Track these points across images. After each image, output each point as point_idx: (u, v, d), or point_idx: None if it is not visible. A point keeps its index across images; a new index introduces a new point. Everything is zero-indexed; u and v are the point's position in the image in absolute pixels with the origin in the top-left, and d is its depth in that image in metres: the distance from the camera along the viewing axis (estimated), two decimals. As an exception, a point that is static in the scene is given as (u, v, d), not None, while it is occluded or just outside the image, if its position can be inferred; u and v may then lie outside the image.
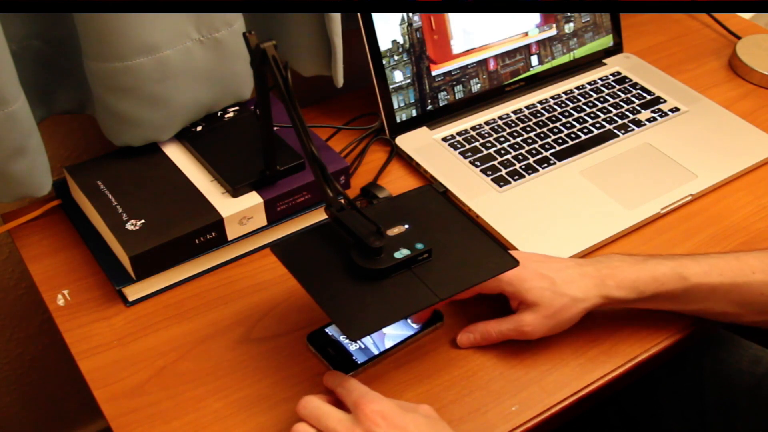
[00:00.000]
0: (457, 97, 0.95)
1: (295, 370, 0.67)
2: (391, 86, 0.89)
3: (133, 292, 0.72)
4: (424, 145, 0.90)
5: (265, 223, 0.77)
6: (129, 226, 0.71)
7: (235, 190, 0.74)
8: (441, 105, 0.94)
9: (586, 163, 0.88)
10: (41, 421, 1.19)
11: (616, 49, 1.08)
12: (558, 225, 0.80)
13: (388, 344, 0.68)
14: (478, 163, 0.87)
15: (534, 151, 0.89)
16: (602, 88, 1.01)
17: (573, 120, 0.95)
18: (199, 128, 0.82)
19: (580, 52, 1.04)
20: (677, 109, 0.97)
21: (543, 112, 0.96)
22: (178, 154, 0.80)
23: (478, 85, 0.96)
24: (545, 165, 0.87)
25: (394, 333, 0.69)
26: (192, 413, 0.63)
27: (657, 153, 0.90)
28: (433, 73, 0.92)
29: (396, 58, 0.89)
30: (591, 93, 1.00)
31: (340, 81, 0.90)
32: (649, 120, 0.95)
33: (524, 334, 0.66)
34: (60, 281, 0.74)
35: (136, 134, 0.77)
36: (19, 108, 0.68)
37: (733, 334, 0.81)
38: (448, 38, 0.92)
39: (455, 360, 0.68)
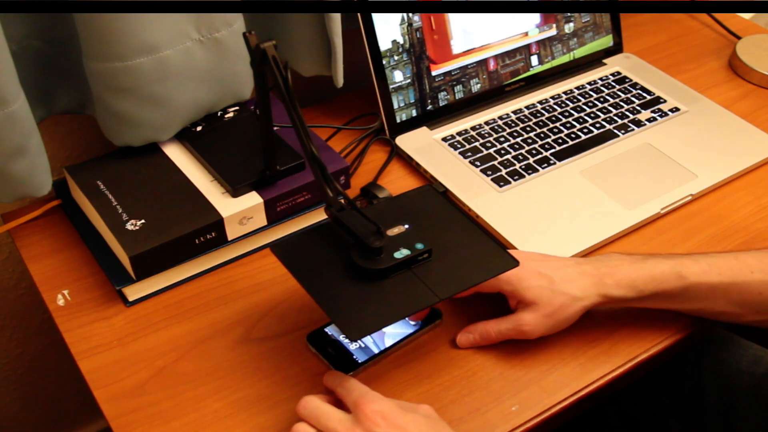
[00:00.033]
0: (457, 97, 0.95)
1: (295, 370, 0.67)
2: (391, 86, 0.89)
3: (133, 292, 0.72)
4: (424, 145, 0.90)
5: (265, 223, 0.77)
6: (129, 226, 0.71)
7: (235, 190, 0.74)
8: (441, 105, 0.94)
9: (586, 163, 0.88)
10: (41, 421, 1.19)
11: (616, 49, 1.08)
12: (558, 225, 0.80)
13: (388, 343, 0.68)
14: (478, 163, 0.87)
15: (534, 151, 0.89)
16: (602, 88, 1.01)
17: (573, 120, 0.95)
18: (199, 128, 0.82)
19: (580, 52, 1.04)
20: (677, 109, 0.97)
21: (543, 112, 0.96)
22: (178, 154, 0.80)
23: (478, 85, 0.96)
24: (545, 165, 0.87)
25: (393, 331, 0.69)
26: (192, 413, 0.63)
27: (657, 153, 0.90)
28: (433, 73, 0.92)
29: (396, 58, 0.89)
30: (591, 93, 1.00)
31: (340, 81, 0.90)
32: (649, 120, 0.95)
33: (523, 333, 0.66)
34: (60, 281, 0.74)
35: (136, 134, 0.77)
36: (19, 108, 0.68)
37: (733, 334, 0.81)
38: (448, 38, 0.92)
39: (455, 360, 0.68)
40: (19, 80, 0.68)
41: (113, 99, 0.74)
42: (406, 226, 0.64)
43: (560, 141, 0.91)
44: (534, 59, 1.00)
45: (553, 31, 1.00)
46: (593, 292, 0.66)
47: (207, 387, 0.65)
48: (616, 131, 0.93)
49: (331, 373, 0.62)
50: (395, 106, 0.90)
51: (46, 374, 1.13)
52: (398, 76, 0.89)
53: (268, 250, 0.77)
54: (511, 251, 0.66)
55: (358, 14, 0.85)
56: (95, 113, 0.79)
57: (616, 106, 0.98)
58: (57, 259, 0.76)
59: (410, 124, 0.92)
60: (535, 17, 0.98)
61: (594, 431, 0.86)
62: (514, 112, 0.96)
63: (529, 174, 0.86)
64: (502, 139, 0.91)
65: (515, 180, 0.85)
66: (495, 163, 0.87)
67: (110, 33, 0.69)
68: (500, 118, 0.95)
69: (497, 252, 0.65)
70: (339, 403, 0.58)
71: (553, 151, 0.90)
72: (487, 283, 0.65)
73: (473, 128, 0.93)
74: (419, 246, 0.62)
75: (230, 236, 0.75)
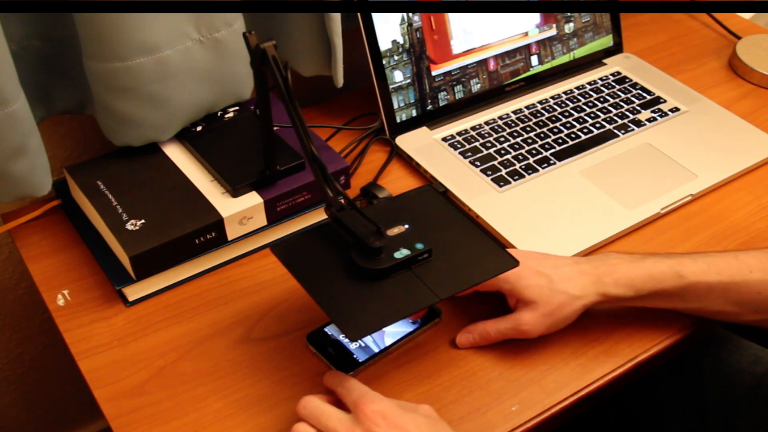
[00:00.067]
0: (457, 97, 0.95)
1: (295, 370, 0.67)
2: (391, 86, 0.89)
3: (133, 292, 0.72)
4: (424, 145, 0.90)
5: (265, 223, 0.77)
6: (129, 226, 0.71)
7: (235, 190, 0.74)
8: (441, 105, 0.94)
9: (586, 163, 0.88)
10: (41, 421, 1.19)
11: (616, 49, 1.08)
12: (558, 225, 0.80)
13: (388, 342, 0.68)
14: (478, 163, 0.87)
15: (534, 151, 0.89)
16: (602, 88, 1.01)
17: (573, 120, 0.95)
18: (199, 128, 0.82)
19: (580, 52, 1.04)
20: (677, 109, 0.97)
21: (543, 112, 0.96)
22: (178, 154, 0.80)
23: (478, 85, 0.96)
24: (545, 165, 0.87)
25: (393, 330, 0.69)
26: (192, 413, 0.63)
27: (657, 153, 0.90)
28: (433, 73, 0.92)
29: (396, 58, 0.89)
30: (591, 93, 1.00)
31: (340, 81, 0.90)
32: (649, 120, 0.95)
33: (523, 332, 0.66)
34: (60, 281, 0.74)
35: (136, 134, 0.77)
36: (19, 108, 0.68)
37: (733, 334, 0.81)
38: (448, 38, 0.92)
39: (455, 360, 0.68)
40: (19, 80, 0.68)
41: (113, 99, 0.74)
42: (406, 226, 0.64)
43: (560, 141, 0.91)
44: (534, 59, 1.00)
45: (553, 31, 1.00)
46: (592, 290, 0.66)
47: (207, 387, 0.65)
48: (616, 131, 0.93)
49: (331, 372, 0.62)
50: (395, 106, 0.90)
51: (46, 374, 1.13)
52: (398, 76, 0.89)
53: (268, 250, 0.77)
54: (509, 250, 0.66)
55: (358, 14, 0.85)
56: (95, 113, 0.79)
57: (616, 106, 0.98)
58: (57, 259, 0.76)
59: (410, 124, 0.92)
60: (535, 17, 0.98)
61: (594, 431, 0.86)
62: (514, 112, 0.96)
63: (529, 174, 0.86)
64: (502, 139, 0.91)
65: (515, 180, 0.85)
66: (495, 163, 0.87)
67: (110, 33, 0.69)
68: (500, 118, 0.95)
69: (497, 252, 0.65)
70: (339, 403, 0.58)
71: (553, 151, 0.90)
72: (486, 282, 0.65)
73: (473, 128, 0.93)
74: (419, 246, 0.62)
75: (230, 236, 0.75)
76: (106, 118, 0.77)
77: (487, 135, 0.92)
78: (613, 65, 1.06)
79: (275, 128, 0.73)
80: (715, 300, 0.67)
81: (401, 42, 0.89)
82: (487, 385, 0.66)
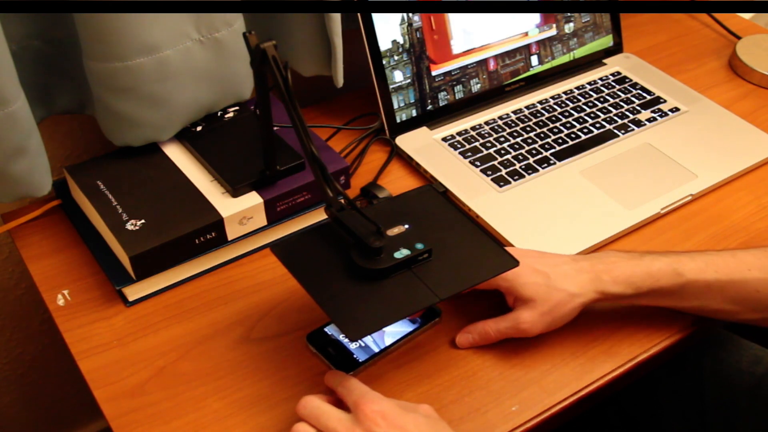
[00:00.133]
0: (457, 97, 0.95)
1: (295, 370, 0.67)
2: (391, 86, 0.89)
3: (133, 292, 0.72)
4: (424, 145, 0.90)
5: (265, 223, 0.77)
6: (129, 226, 0.71)
7: (235, 190, 0.74)
8: (441, 105, 0.94)
9: (586, 163, 0.88)
10: (41, 421, 1.19)
11: (616, 49, 1.08)
12: (558, 225, 0.80)
13: (388, 341, 0.68)
14: (478, 163, 0.87)
15: (534, 151, 0.89)
16: (602, 88, 1.01)
17: (573, 120, 0.95)
18: (199, 128, 0.82)
19: (580, 52, 1.04)
20: (677, 109, 0.97)
21: (543, 112, 0.96)
22: (178, 154, 0.80)
23: (478, 85, 0.96)
24: (545, 165, 0.87)
25: (393, 330, 0.69)
26: (192, 413, 0.63)
27: (657, 153, 0.90)
28: (433, 73, 0.92)
29: (396, 58, 0.89)
30: (591, 93, 1.00)
31: (340, 81, 0.90)
32: (649, 120, 0.95)
33: (522, 331, 0.66)
34: (60, 281, 0.74)
35: (136, 134, 0.77)
36: (19, 108, 0.68)
37: (733, 335, 0.81)
38: (448, 38, 0.92)
39: (455, 360, 0.68)
40: (19, 80, 0.68)
41: (113, 99, 0.74)
42: (406, 226, 0.64)
43: (560, 141, 0.91)
44: (534, 59, 1.00)
45: (553, 31, 1.00)
46: (590, 288, 0.66)
47: (207, 387, 0.65)
48: (616, 131, 0.93)
49: (331, 372, 0.62)
50: (395, 106, 0.90)
51: (46, 374, 1.13)
52: (398, 76, 0.89)
53: (268, 250, 0.77)
54: (507, 248, 0.66)
55: (358, 14, 0.85)
56: (95, 113, 0.79)
57: (616, 106, 0.98)
58: (57, 259, 0.76)
59: (410, 124, 0.92)
60: (535, 17, 0.98)
61: (594, 431, 0.86)
62: (514, 112, 0.96)
63: (529, 174, 0.86)
64: (502, 139, 0.91)
65: (515, 180, 0.85)
66: (495, 163, 0.87)
67: (110, 33, 0.69)
68: (500, 118, 0.95)
69: (497, 251, 0.65)
70: (339, 403, 0.58)
71: (553, 151, 0.90)
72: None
73: (473, 128, 0.93)
74: (419, 246, 0.62)
75: (230, 236, 0.75)
76: (106, 118, 0.77)
77: (487, 135, 0.92)
78: (613, 65, 1.06)
79: (275, 128, 0.74)
80: (714, 298, 0.67)
81: (401, 42, 0.89)
82: (487, 385, 0.66)
